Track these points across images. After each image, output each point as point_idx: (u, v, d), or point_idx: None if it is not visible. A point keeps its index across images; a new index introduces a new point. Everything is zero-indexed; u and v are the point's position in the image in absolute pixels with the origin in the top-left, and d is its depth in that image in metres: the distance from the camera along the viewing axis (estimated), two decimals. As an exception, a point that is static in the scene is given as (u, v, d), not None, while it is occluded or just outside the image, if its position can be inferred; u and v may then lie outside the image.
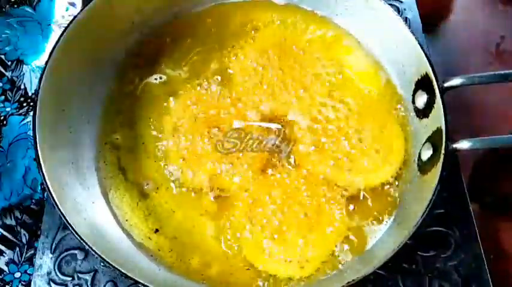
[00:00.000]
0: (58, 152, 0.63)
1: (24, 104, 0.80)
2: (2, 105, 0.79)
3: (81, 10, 0.68)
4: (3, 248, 0.70)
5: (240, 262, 0.62)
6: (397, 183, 0.66)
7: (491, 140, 0.60)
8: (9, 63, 0.83)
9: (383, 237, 0.63)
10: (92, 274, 0.64)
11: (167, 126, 0.71)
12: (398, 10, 0.83)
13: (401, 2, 0.85)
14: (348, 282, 0.53)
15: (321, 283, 0.60)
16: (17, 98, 0.81)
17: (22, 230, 0.72)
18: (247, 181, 0.66)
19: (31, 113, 0.79)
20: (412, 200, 0.63)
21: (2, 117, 0.78)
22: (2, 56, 0.83)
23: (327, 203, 0.65)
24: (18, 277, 0.69)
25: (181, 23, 0.79)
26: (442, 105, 0.60)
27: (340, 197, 0.65)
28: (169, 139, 0.69)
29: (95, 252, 0.55)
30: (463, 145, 0.58)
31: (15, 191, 0.73)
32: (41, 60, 0.84)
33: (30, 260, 0.70)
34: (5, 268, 0.69)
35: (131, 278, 0.53)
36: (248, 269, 0.62)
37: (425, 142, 0.64)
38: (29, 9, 0.88)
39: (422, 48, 0.64)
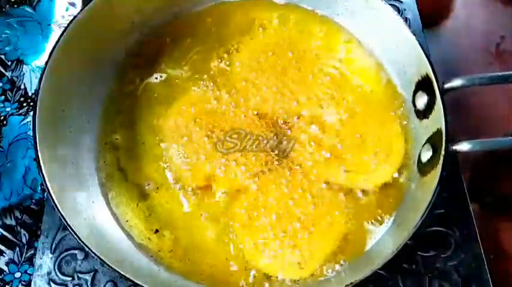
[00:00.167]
0: (58, 152, 0.63)
1: (24, 104, 0.80)
2: (2, 105, 0.79)
3: (81, 10, 0.68)
4: (3, 248, 0.70)
5: (239, 262, 0.62)
6: (396, 184, 0.66)
7: (492, 142, 0.59)
8: (9, 63, 0.83)
9: (383, 238, 0.63)
10: (92, 274, 0.64)
11: (167, 126, 0.71)
12: (398, 10, 0.83)
13: (401, 2, 0.85)
14: (346, 285, 0.53)
15: (320, 284, 0.60)
16: (17, 98, 0.81)
17: (22, 230, 0.72)
18: (247, 181, 0.66)
19: (31, 113, 0.79)
20: (412, 201, 0.63)
21: (2, 117, 0.78)
22: (2, 56, 0.83)
23: (326, 203, 0.65)
24: (18, 277, 0.69)
25: (181, 22, 0.79)
26: (442, 107, 0.59)
27: (340, 198, 0.65)
28: (169, 139, 0.69)
29: (94, 253, 0.55)
30: (463, 146, 0.58)
31: (15, 191, 0.73)
32: (41, 60, 0.84)
33: (30, 260, 0.70)
34: (5, 268, 0.69)
35: (130, 280, 0.53)
36: (248, 270, 0.62)
37: (425, 143, 0.64)
38: (29, 9, 0.88)
39: (422, 48, 0.64)
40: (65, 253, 0.66)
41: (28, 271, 0.70)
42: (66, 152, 0.65)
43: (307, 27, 0.79)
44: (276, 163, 0.68)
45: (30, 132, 0.78)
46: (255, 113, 0.71)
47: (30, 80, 0.83)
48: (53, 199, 0.57)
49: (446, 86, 0.62)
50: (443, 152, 0.57)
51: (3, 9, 0.86)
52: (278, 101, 0.72)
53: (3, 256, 0.70)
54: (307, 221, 0.63)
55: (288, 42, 0.77)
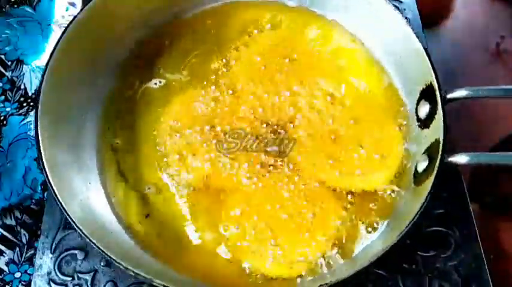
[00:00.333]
0: (60, 155, 0.63)
1: (24, 104, 0.80)
2: (2, 105, 0.79)
3: (81, 10, 0.68)
4: (3, 248, 0.70)
5: (228, 257, 0.62)
6: (392, 190, 0.66)
7: (489, 156, 0.58)
8: (9, 63, 0.83)
9: (374, 243, 0.62)
10: (92, 274, 0.65)
11: (166, 128, 0.71)
12: (398, 10, 0.82)
13: (401, 2, 0.85)
14: (326, 283, 0.52)
15: (306, 283, 0.60)
16: (17, 98, 0.81)
17: (22, 230, 0.72)
18: (243, 180, 0.66)
19: (31, 113, 0.79)
20: (405, 209, 0.62)
21: (2, 117, 0.78)
22: (2, 56, 0.83)
23: (320, 205, 0.64)
24: (18, 277, 0.69)
25: (181, 23, 0.79)
26: (442, 117, 0.59)
27: (335, 200, 0.65)
28: (166, 140, 0.69)
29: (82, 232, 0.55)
30: (460, 159, 0.57)
31: (15, 191, 0.73)
32: (41, 60, 0.84)
33: (30, 260, 0.70)
34: (5, 268, 0.69)
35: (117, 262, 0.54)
36: (235, 265, 0.62)
37: (423, 153, 0.63)
38: (29, 9, 0.87)
39: (429, 57, 0.63)
40: (65, 253, 0.66)
41: (28, 271, 0.70)
42: (67, 153, 0.65)
43: (308, 29, 0.79)
44: (272, 162, 0.67)
45: (30, 133, 0.78)
46: (254, 114, 0.71)
47: (30, 80, 0.83)
48: (49, 181, 0.57)
49: (449, 96, 0.61)
50: (437, 164, 0.57)
51: (3, 9, 0.86)
52: (277, 103, 0.72)
53: (3, 256, 0.70)
54: (300, 222, 0.63)
55: (288, 44, 0.77)
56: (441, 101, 0.60)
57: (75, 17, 0.67)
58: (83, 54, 0.69)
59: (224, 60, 0.76)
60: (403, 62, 0.70)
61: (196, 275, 0.61)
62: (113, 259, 0.53)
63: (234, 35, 0.78)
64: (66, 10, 0.89)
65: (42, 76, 0.63)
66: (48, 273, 0.65)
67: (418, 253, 0.65)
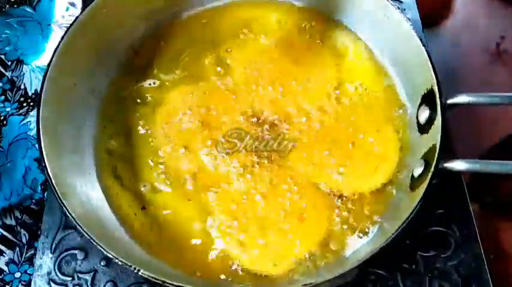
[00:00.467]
0: (61, 154, 0.63)
1: (24, 104, 0.80)
2: (2, 105, 0.79)
3: (83, 11, 0.68)
4: (3, 248, 0.70)
5: (216, 251, 0.63)
6: (386, 193, 0.65)
7: (487, 164, 0.58)
8: (9, 63, 0.83)
9: (365, 246, 0.62)
10: (92, 274, 0.65)
11: (159, 124, 0.71)
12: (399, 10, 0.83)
13: (401, 2, 0.85)
14: (305, 284, 0.52)
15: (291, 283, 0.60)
16: (17, 98, 0.81)
17: (22, 230, 0.72)
18: (236, 177, 0.67)
19: (31, 113, 0.79)
20: (397, 213, 0.61)
21: (2, 117, 0.78)
22: (2, 56, 0.83)
23: (312, 205, 0.64)
24: (18, 277, 0.69)
25: (180, 23, 0.80)
26: (441, 123, 0.59)
27: (326, 201, 0.65)
28: (159, 136, 0.70)
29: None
30: (457, 165, 0.57)
31: (15, 191, 0.73)
32: (41, 60, 0.84)
33: (30, 260, 0.70)
34: (5, 268, 0.69)
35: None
36: (223, 260, 0.62)
37: (420, 158, 0.63)
38: (29, 9, 0.87)
39: (431, 62, 0.63)
40: (65, 253, 0.66)
41: (28, 271, 0.70)
42: (67, 150, 0.65)
43: (307, 28, 0.79)
44: (266, 162, 0.68)
45: (30, 133, 0.78)
46: (249, 112, 0.71)
47: (30, 80, 0.82)
48: (53, 186, 0.58)
49: (449, 101, 0.61)
50: (432, 170, 0.57)
51: (3, 9, 0.86)
52: (274, 102, 0.72)
53: (3, 256, 0.70)
54: (288, 221, 0.63)
55: (286, 42, 0.77)
56: (441, 107, 0.60)
57: (77, 17, 0.67)
58: (84, 54, 0.69)
59: (220, 59, 0.76)
60: (406, 65, 0.70)
61: (188, 270, 0.61)
62: (113, 256, 0.53)
63: (232, 32, 0.78)
64: (66, 10, 0.89)
65: (44, 76, 0.63)
66: (48, 273, 0.65)
67: (418, 253, 0.65)
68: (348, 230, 0.63)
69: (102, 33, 0.71)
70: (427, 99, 0.64)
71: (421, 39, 0.66)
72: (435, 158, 0.57)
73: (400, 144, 0.68)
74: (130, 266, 0.53)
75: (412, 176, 0.63)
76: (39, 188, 0.75)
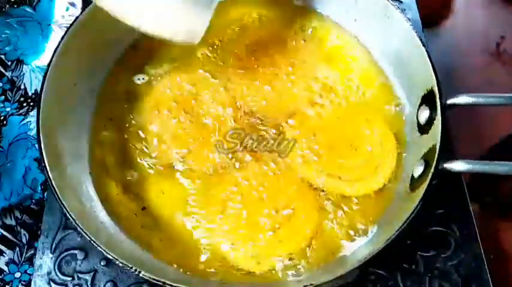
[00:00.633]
0: (60, 153, 0.63)
1: (24, 104, 0.80)
2: (2, 105, 0.79)
3: (83, 11, 0.68)
4: (3, 248, 0.70)
5: (201, 245, 0.63)
6: (383, 195, 0.65)
7: (486, 164, 0.58)
8: (9, 63, 0.83)
9: (364, 246, 0.62)
10: (92, 274, 0.65)
11: (147, 115, 0.72)
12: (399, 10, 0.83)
13: (401, 2, 0.85)
14: (306, 285, 0.52)
15: (282, 284, 0.60)
16: (17, 98, 0.81)
17: (22, 230, 0.72)
18: (228, 171, 0.67)
19: (31, 113, 0.79)
20: (397, 214, 0.61)
21: (2, 117, 0.78)
22: (2, 56, 0.83)
23: (303, 206, 0.64)
24: (18, 277, 0.69)
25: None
26: (441, 124, 0.59)
27: (321, 202, 0.65)
28: (148, 126, 0.71)
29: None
30: (456, 165, 0.57)
31: (15, 191, 0.73)
32: (41, 60, 0.84)
33: (30, 260, 0.70)
34: (5, 268, 0.69)
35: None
36: (209, 254, 0.62)
37: (420, 158, 0.63)
38: (29, 9, 0.87)
39: (431, 63, 0.63)
40: (65, 253, 0.66)
41: (28, 271, 0.70)
42: (67, 149, 0.65)
43: (307, 27, 0.79)
44: (264, 157, 0.68)
45: (30, 133, 0.78)
46: (253, 114, 0.71)
47: (30, 80, 0.82)
48: (53, 186, 0.58)
49: (449, 102, 0.61)
50: (433, 170, 0.57)
51: (3, 9, 0.86)
52: (269, 101, 0.72)
53: (3, 256, 0.70)
54: (277, 219, 0.63)
55: (281, 40, 0.77)
56: (441, 107, 0.60)
57: (77, 17, 0.67)
58: (84, 54, 0.69)
59: (213, 53, 0.76)
60: (406, 65, 0.70)
61: (188, 270, 0.61)
62: (113, 257, 0.54)
63: (224, 29, 0.78)
64: (66, 10, 0.89)
65: (44, 76, 0.63)
66: (48, 273, 0.65)
67: (418, 253, 0.65)
68: (347, 231, 0.63)
69: (102, 33, 0.71)
70: (427, 99, 0.64)
71: (421, 39, 0.66)
72: (435, 159, 0.57)
73: (399, 145, 0.68)
74: (131, 267, 0.53)
75: (412, 176, 0.63)
76: (39, 188, 0.75)
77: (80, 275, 0.64)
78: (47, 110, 0.62)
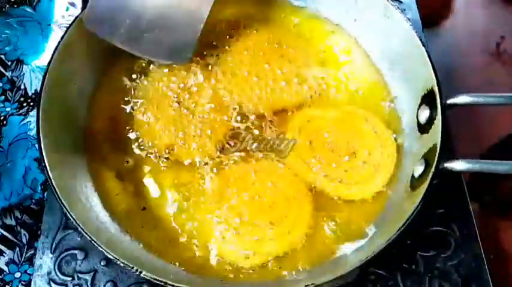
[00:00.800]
0: (60, 153, 0.63)
1: (24, 104, 0.80)
2: (2, 105, 0.79)
3: (82, 11, 0.68)
4: (3, 248, 0.70)
5: (201, 244, 0.63)
6: (381, 197, 0.65)
7: (487, 163, 0.57)
8: (9, 63, 0.83)
9: (365, 246, 0.61)
10: (92, 274, 0.65)
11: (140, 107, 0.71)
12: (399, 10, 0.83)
13: (401, 2, 0.85)
14: (307, 285, 0.52)
15: (282, 284, 0.60)
16: (17, 98, 0.81)
17: (22, 230, 0.72)
18: (230, 170, 0.67)
19: (31, 113, 0.79)
20: (397, 214, 0.60)
21: (2, 117, 0.78)
22: (2, 56, 0.83)
23: (298, 204, 0.64)
24: (18, 277, 0.69)
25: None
26: (441, 123, 0.59)
27: (316, 202, 0.64)
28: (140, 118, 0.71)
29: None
30: (457, 165, 0.57)
31: (15, 191, 0.73)
32: (41, 60, 0.84)
33: (30, 260, 0.70)
34: (5, 268, 0.69)
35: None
36: (209, 254, 0.62)
37: (421, 158, 0.63)
38: (29, 9, 0.87)
39: (432, 63, 0.63)
40: (65, 253, 0.66)
41: (28, 271, 0.70)
42: (67, 149, 0.65)
43: (306, 27, 0.79)
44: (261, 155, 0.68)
45: (30, 132, 0.78)
46: (245, 111, 0.71)
47: (30, 80, 0.82)
48: (53, 186, 0.58)
49: (449, 102, 0.61)
50: (433, 170, 0.57)
51: (3, 9, 0.86)
52: (269, 101, 0.71)
53: (3, 256, 0.70)
54: (270, 216, 0.63)
55: (279, 40, 0.77)
56: (441, 107, 0.60)
57: (77, 17, 0.67)
58: (84, 54, 0.70)
59: (213, 52, 0.76)
60: (406, 66, 0.70)
61: (181, 263, 0.61)
62: (114, 257, 0.54)
63: (226, 29, 0.78)
64: (66, 10, 0.89)
65: (44, 76, 0.63)
66: (48, 273, 0.65)
67: (418, 252, 0.65)
68: (347, 231, 0.63)
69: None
70: (427, 99, 0.64)
71: (421, 39, 0.66)
72: (436, 158, 0.57)
73: (399, 145, 0.68)
74: (132, 267, 0.53)
75: (413, 176, 0.63)
76: (39, 188, 0.75)
77: (80, 275, 0.64)
78: (47, 110, 0.62)
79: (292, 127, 0.70)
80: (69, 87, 0.68)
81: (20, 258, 0.70)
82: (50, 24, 0.88)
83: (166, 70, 0.74)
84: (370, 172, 0.66)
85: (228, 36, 0.77)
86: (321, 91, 0.73)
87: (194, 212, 0.65)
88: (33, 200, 0.74)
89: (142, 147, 0.69)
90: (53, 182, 0.58)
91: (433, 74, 0.62)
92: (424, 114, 0.65)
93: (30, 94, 0.81)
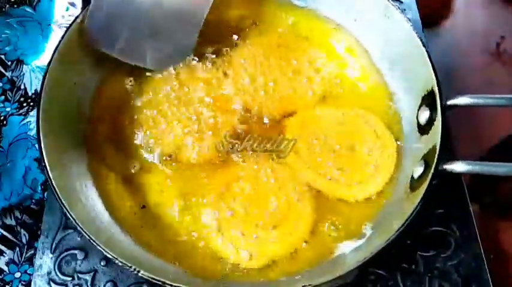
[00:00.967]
0: (60, 153, 0.63)
1: (24, 104, 0.80)
2: (2, 105, 0.79)
3: (83, 11, 0.68)
4: (3, 248, 0.70)
5: (200, 244, 0.63)
6: (381, 199, 0.65)
7: (486, 165, 0.57)
8: (9, 63, 0.83)
9: (364, 246, 0.61)
10: (92, 274, 0.65)
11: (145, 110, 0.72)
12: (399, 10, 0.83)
13: (401, 2, 0.85)
14: (305, 285, 0.52)
15: (281, 284, 0.60)
16: (17, 98, 0.81)
17: (22, 230, 0.72)
18: (230, 170, 0.67)
19: (31, 113, 0.79)
20: (397, 213, 0.60)
21: (2, 117, 0.78)
22: (2, 56, 0.83)
23: (299, 204, 0.64)
24: (18, 277, 0.69)
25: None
26: (441, 124, 0.59)
27: (316, 202, 0.64)
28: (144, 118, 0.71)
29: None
30: (456, 166, 0.57)
31: (15, 191, 0.73)
32: (41, 60, 0.84)
33: (30, 260, 0.70)
34: (5, 268, 0.69)
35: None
36: (208, 253, 0.62)
37: (420, 159, 0.63)
38: (29, 9, 0.88)
39: (432, 63, 0.63)
40: (65, 253, 0.66)
41: (28, 271, 0.70)
42: (67, 149, 0.65)
43: (313, 30, 0.79)
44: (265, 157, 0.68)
45: (30, 132, 0.78)
46: (244, 111, 0.71)
47: (30, 80, 0.83)
48: (53, 186, 0.58)
49: (449, 103, 0.61)
50: (432, 171, 0.57)
51: (3, 9, 0.86)
52: (269, 101, 0.72)
53: (3, 256, 0.70)
54: (273, 217, 0.63)
55: (281, 40, 0.77)
56: (441, 108, 0.60)
57: (77, 17, 0.67)
58: (84, 54, 0.70)
59: (219, 53, 0.76)
60: (406, 66, 0.70)
61: (178, 263, 0.61)
62: (113, 257, 0.54)
63: (231, 29, 0.78)
64: (66, 10, 0.89)
65: (44, 76, 0.63)
66: (48, 273, 0.65)
67: (418, 252, 0.65)
68: (346, 231, 0.63)
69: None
70: (427, 100, 0.64)
71: (421, 40, 0.66)
72: (435, 160, 0.57)
73: (399, 146, 0.68)
74: (130, 266, 0.53)
75: (412, 177, 0.63)
76: (39, 188, 0.75)
77: (80, 275, 0.64)
78: (47, 110, 0.62)
79: (292, 127, 0.70)
80: (69, 87, 0.68)
81: (20, 258, 0.70)
82: (50, 24, 0.88)
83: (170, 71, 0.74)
84: (370, 172, 0.66)
85: (231, 38, 0.77)
86: (322, 92, 0.73)
87: (195, 213, 0.65)
88: (33, 200, 0.74)
89: (143, 147, 0.69)
90: (53, 182, 0.58)
91: (433, 75, 0.62)
92: (424, 115, 0.64)
93: (30, 94, 0.81)
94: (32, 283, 0.64)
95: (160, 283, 0.53)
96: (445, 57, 0.86)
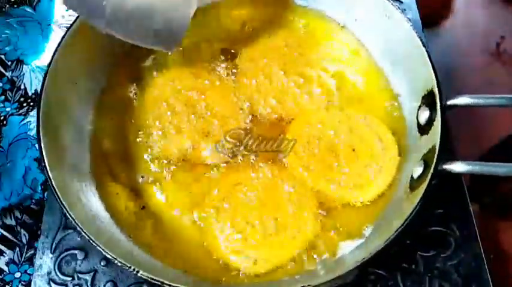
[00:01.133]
0: (61, 154, 0.63)
1: (24, 104, 0.80)
2: (2, 105, 0.80)
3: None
4: (3, 248, 0.70)
5: (200, 244, 0.63)
6: (382, 200, 0.65)
7: (486, 165, 0.57)
8: (9, 63, 0.83)
9: (363, 246, 0.61)
10: (92, 274, 0.65)
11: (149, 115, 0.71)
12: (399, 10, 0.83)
13: (401, 2, 0.85)
14: (304, 285, 0.52)
15: (280, 284, 0.60)
16: (17, 98, 0.81)
17: (22, 230, 0.72)
18: (231, 172, 0.67)
19: (31, 113, 0.79)
20: (397, 213, 0.60)
21: (2, 117, 0.78)
22: (2, 56, 0.83)
23: (301, 208, 0.64)
24: (18, 277, 0.69)
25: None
26: (441, 124, 0.59)
27: (318, 205, 0.64)
28: (150, 123, 0.71)
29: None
30: (456, 167, 0.57)
31: (15, 191, 0.73)
32: (41, 60, 0.84)
33: (30, 260, 0.70)
34: (5, 268, 0.69)
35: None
36: (208, 254, 0.62)
37: (420, 159, 0.62)
38: (29, 9, 0.88)
39: (432, 63, 0.63)
40: (65, 253, 0.66)
41: (28, 271, 0.70)
42: (67, 150, 0.65)
43: (315, 29, 0.79)
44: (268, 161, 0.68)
45: (30, 133, 0.78)
46: (245, 111, 0.71)
47: (30, 80, 0.83)
48: (53, 186, 0.58)
49: (449, 103, 0.61)
50: (432, 171, 0.56)
51: (3, 9, 0.86)
52: (269, 101, 0.72)
53: (3, 256, 0.70)
54: (276, 221, 0.62)
55: (281, 40, 0.77)
56: (441, 108, 0.60)
57: (77, 17, 0.67)
58: (84, 54, 0.70)
59: (224, 54, 0.76)
60: (406, 66, 0.70)
61: (179, 265, 0.61)
62: (112, 257, 0.54)
63: (232, 28, 0.79)
64: (66, 10, 0.89)
65: (44, 76, 0.63)
66: (48, 273, 0.65)
67: (418, 252, 0.65)
68: (346, 232, 0.63)
69: (102, 33, 0.71)
70: (427, 100, 0.64)
71: (421, 40, 0.66)
72: (435, 160, 0.57)
73: (400, 147, 0.68)
74: (130, 267, 0.53)
75: (412, 177, 0.63)
76: (39, 188, 0.75)
77: (80, 275, 0.64)
78: (47, 110, 0.62)
79: (292, 128, 0.70)
80: (69, 87, 0.68)
81: (20, 258, 0.70)
82: (50, 24, 0.88)
83: (169, 68, 0.74)
84: (372, 174, 0.66)
85: (235, 39, 0.78)
86: (323, 93, 0.73)
87: (196, 213, 0.65)
88: (33, 200, 0.74)
89: (143, 146, 0.69)
90: (53, 182, 0.58)
91: (433, 75, 0.62)
92: (424, 115, 0.64)
93: (30, 94, 0.81)
94: (32, 283, 0.64)
95: (159, 283, 0.53)
96: (445, 57, 0.86)
